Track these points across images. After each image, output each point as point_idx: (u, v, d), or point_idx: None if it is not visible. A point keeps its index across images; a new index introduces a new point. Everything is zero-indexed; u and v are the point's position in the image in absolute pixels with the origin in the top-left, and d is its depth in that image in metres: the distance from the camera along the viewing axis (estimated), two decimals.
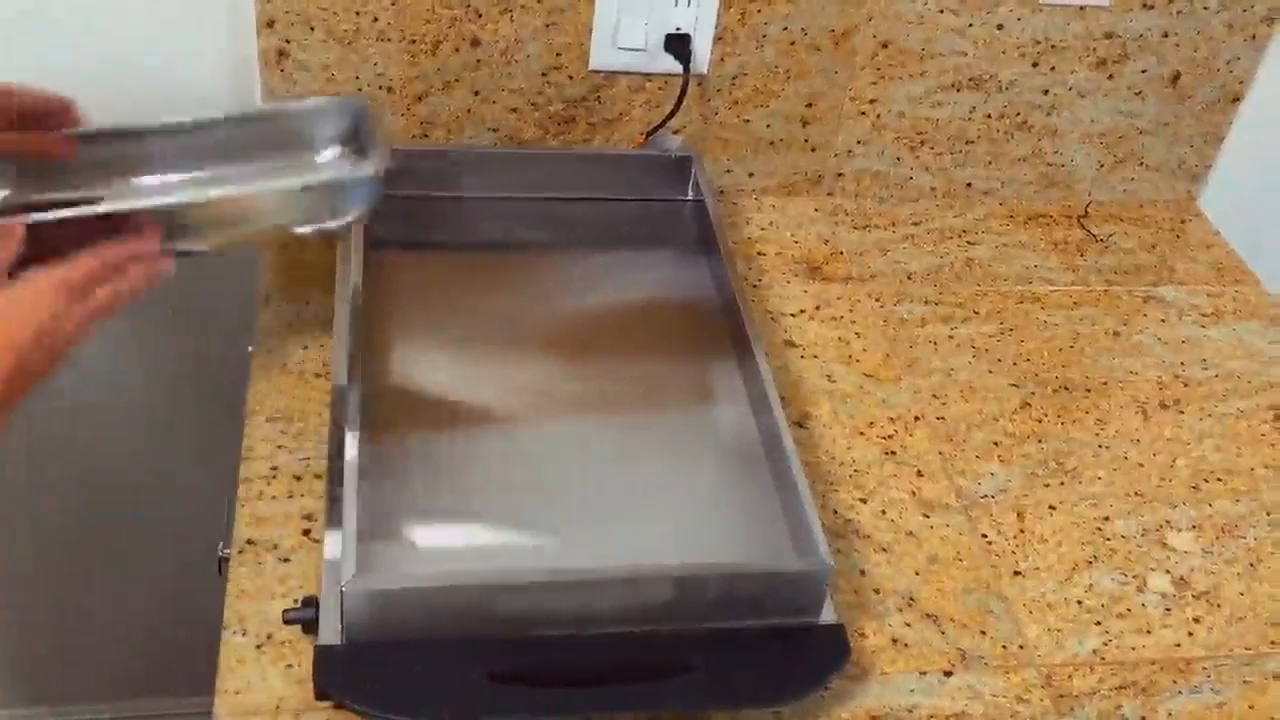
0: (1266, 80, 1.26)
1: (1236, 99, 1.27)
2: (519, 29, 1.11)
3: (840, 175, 1.26)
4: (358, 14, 1.08)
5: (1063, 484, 1.00)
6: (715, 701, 0.78)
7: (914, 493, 0.97)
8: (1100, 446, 1.04)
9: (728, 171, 1.23)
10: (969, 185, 1.29)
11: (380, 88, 1.13)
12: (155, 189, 0.92)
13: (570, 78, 1.15)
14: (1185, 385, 1.12)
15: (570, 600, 0.78)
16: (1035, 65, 1.21)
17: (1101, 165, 1.30)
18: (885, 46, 1.18)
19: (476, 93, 1.14)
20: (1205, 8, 1.20)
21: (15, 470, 1.35)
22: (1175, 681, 0.87)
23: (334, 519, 0.81)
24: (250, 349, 1.00)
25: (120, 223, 0.81)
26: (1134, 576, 0.94)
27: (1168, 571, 0.95)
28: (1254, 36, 1.23)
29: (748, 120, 1.20)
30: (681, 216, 1.16)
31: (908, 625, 0.88)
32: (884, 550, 0.92)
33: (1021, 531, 0.96)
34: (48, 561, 1.42)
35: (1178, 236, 1.30)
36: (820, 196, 1.27)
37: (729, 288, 1.01)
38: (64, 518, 1.36)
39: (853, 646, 0.81)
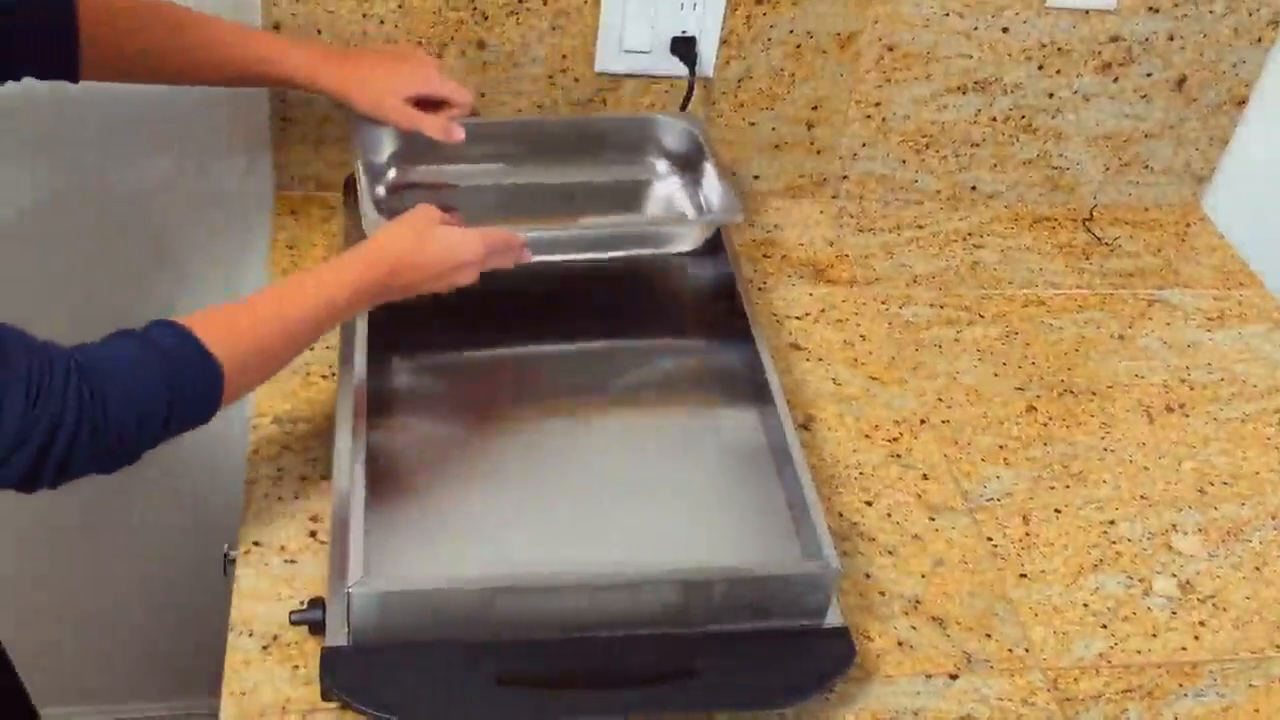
0: (1272, 84, 1.26)
1: (1242, 102, 1.27)
2: (525, 32, 1.11)
3: (845, 178, 1.26)
4: (364, 16, 1.08)
5: (1068, 487, 1.00)
6: (720, 704, 0.78)
7: (919, 496, 0.97)
8: (1105, 450, 1.04)
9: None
10: (974, 188, 1.29)
11: None
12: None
13: (576, 80, 1.15)
14: (1190, 389, 1.12)
15: (576, 603, 0.78)
16: (1040, 68, 1.21)
17: (1107, 168, 1.30)
18: (890, 50, 1.18)
19: (483, 95, 1.14)
20: (1211, 11, 1.20)
21: None
22: (1181, 685, 0.87)
23: (340, 521, 0.81)
24: None
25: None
26: (1139, 580, 0.94)
27: (1173, 575, 0.95)
28: (1260, 40, 1.23)
29: (753, 123, 1.20)
30: None
31: (913, 628, 0.88)
32: (889, 553, 0.92)
33: (1027, 535, 0.96)
34: (51, 563, 1.42)
35: (1183, 240, 1.30)
36: (825, 199, 1.27)
37: (735, 290, 1.01)
38: (67, 519, 1.36)
39: (858, 649, 0.81)
